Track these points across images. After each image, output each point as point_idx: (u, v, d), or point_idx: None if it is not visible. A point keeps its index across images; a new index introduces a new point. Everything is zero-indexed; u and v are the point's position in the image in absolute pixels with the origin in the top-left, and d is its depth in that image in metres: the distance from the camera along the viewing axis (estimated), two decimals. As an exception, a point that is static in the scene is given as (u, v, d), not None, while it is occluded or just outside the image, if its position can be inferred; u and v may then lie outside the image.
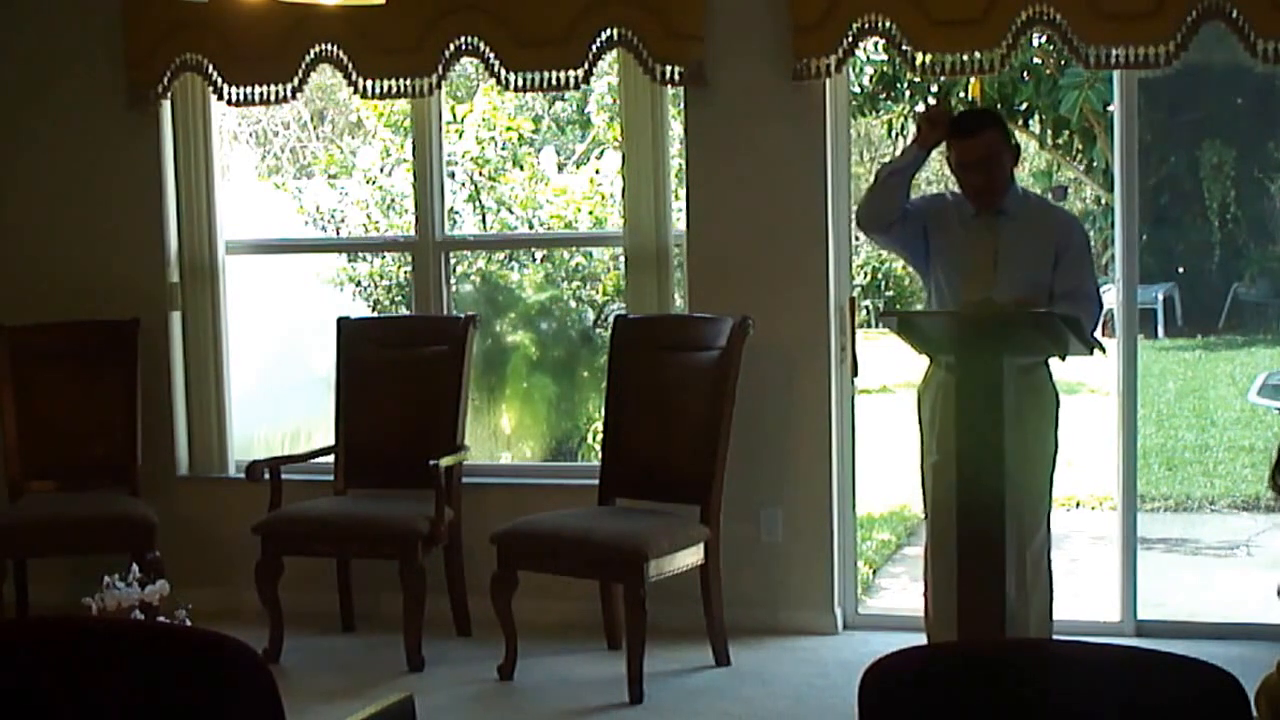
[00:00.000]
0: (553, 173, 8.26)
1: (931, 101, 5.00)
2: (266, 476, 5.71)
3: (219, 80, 6.01)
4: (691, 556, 5.22)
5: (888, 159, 5.06)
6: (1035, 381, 4.76)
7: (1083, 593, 6.34)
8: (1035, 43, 8.65)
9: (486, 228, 8.02)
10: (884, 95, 9.98)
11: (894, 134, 11.60)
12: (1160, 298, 12.75)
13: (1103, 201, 12.10)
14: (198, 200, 6.18)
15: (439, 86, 5.89)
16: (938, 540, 4.83)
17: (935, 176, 14.79)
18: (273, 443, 7.32)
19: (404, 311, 7.78)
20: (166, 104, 6.14)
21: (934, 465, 4.82)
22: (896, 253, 5.65)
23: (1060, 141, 11.46)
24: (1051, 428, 4.80)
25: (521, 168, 8.18)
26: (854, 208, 5.71)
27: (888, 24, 5.36)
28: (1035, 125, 10.75)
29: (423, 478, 5.46)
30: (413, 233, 6.35)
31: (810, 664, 5.39)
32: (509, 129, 8.14)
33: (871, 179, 5.11)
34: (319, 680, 5.33)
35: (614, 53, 5.71)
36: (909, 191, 4.97)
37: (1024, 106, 10.26)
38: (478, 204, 8.06)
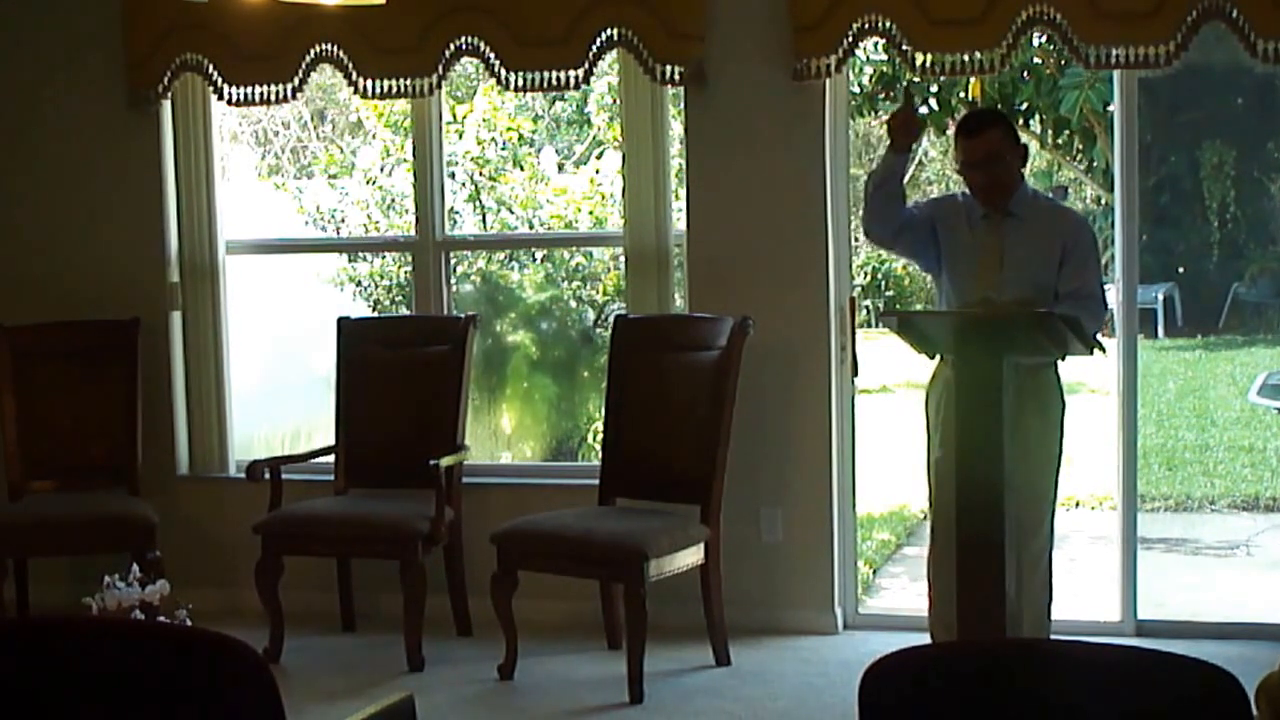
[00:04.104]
0: (553, 173, 8.27)
1: (895, 105, 4.98)
2: (267, 476, 5.71)
3: (219, 80, 6.01)
4: (691, 556, 5.22)
5: (871, 169, 5.07)
6: (1042, 383, 4.76)
7: (1083, 593, 6.34)
8: (1035, 43, 8.64)
9: (487, 228, 8.03)
10: (884, 95, 9.96)
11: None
12: (1160, 298, 12.76)
13: (1103, 201, 12.10)
14: (198, 200, 6.18)
15: (439, 86, 5.89)
16: (940, 538, 4.83)
17: (936, 176, 14.82)
18: (273, 443, 7.32)
19: (404, 311, 7.79)
20: (166, 104, 6.14)
21: (937, 462, 4.82)
22: (908, 259, 5.66)
23: (1060, 141, 11.46)
24: (1056, 430, 4.80)
25: (521, 168, 8.18)
26: (854, 210, 5.71)
27: (888, 24, 5.36)
28: (1035, 125, 10.73)
29: (423, 478, 5.46)
30: (413, 233, 6.35)
31: (810, 664, 5.39)
32: (509, 129, 8.14)
33: (862, 192, 5.14)
34: (319, 680, 5.33)
35: (614, 53, 5.71)
36: (904, 197, 4.97)
37: (1024, 106, 10.24)
38: (478, 204, 8.06)
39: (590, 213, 7.96)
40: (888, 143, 4.97)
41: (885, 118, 4.84)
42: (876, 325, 12.46)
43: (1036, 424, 4.72)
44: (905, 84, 5.30)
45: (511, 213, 8.07)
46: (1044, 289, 4.72)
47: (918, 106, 4.89)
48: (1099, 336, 4.62)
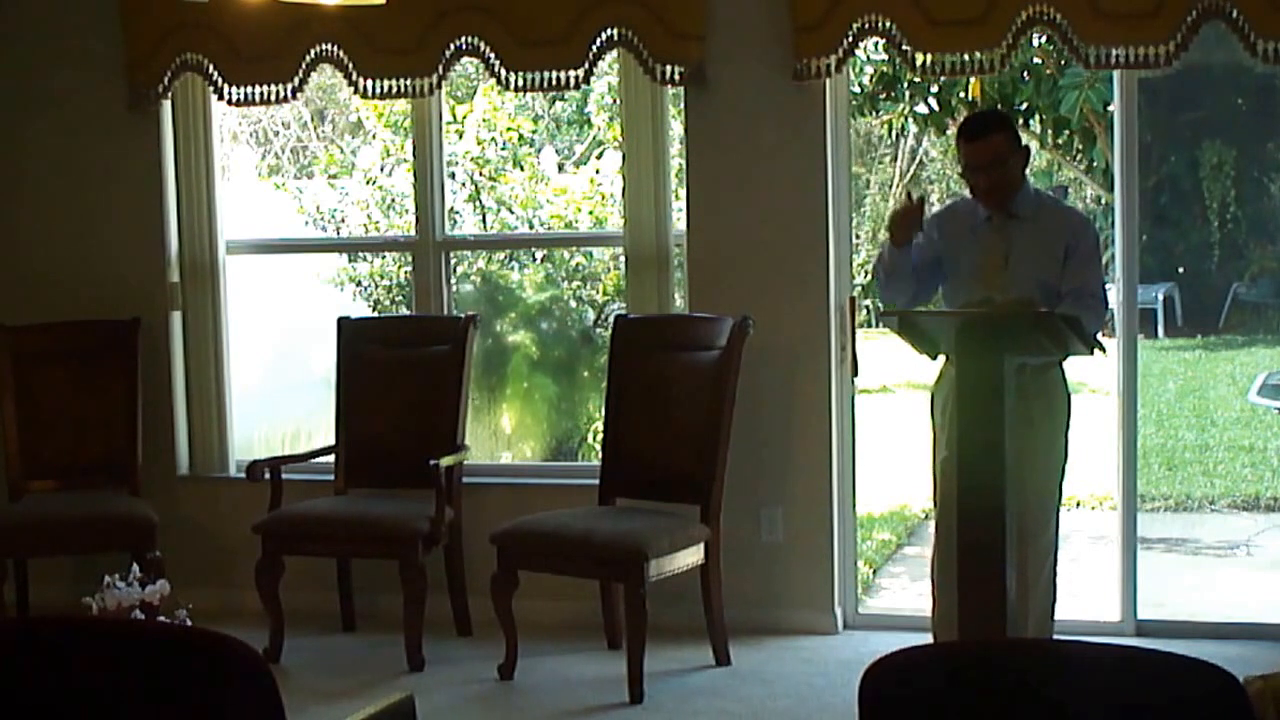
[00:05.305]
0: (553, 173, 8.27)
1: (901, 199, 4.94)
2: (267, 476, 5.71)
3: (219, 80, 6.01)
4: (691, 556, 5.22)
5: (879, 253, 5.06)
6: (1048, 383, 4.76)
7: (1083, 593, 6.34)
8: (1035, 43, 8.63)
9: (487, 228, 8.03)
10: (884, 95, 9.95)
11: (894, 134, 11.59)
12: (1160, 298, 12.75)
13: (1103, 201, 12.09)
14: (198, 200, 6.18)
15: (439, 86, 5.89)
16: (944, 538, 4.83)
17: (937, 176, 14.81)
18: (273, 443, 7.32)
19: (404, 311, 7.79)
20: (167, 104, 6.14)
21: (943, 461, 4.82)
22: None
23: (1060, 141, 11.44)
24: (1062, 430, 4.80)
25: (521, 168, 8.18)
26: (855, 210, 5.70)
27: (888, 24, 5.36)
28: (1035, 125, 10.72)
29: (423, 478, 5.46)
30: (413, 233, 6.35)
31: (810, 664, 5.39)
32: (509, 129, 8.14)
33: (873, 272, 5.12)
34: (319, 680, 5.33)
35: (614, 53, 5.71)
36: (911, 270, 4.93)
37: (1024, 106, 10.23)
38: (478, 204, 8.06)
39: (590, 213, 7.96)
40: (888, 235, 4.94)
41: (889, 211, 4.82)
42: (876, 325, 12.45)
43: (1044, 424, 4.73)
44: (906, 183, 5.28)
45: (511, 213, 8.07)
46: (1048, 289, 4.72)
47: (921, 199, 4.89)
48: (1099, 336, 4.62)
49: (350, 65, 5.86)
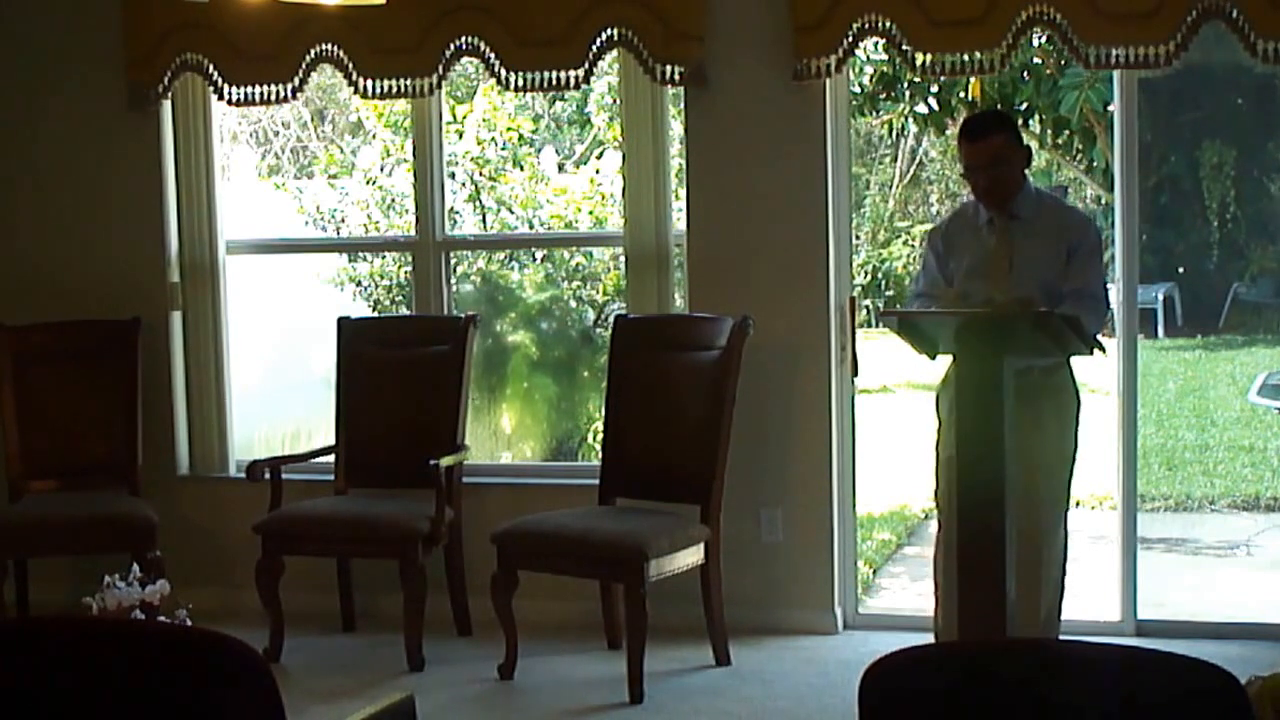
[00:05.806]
0: (553, 173, 8.27)
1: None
2: (267, 476, 5.71)
3: (219, 80, 6.01)
4: (691, 556, 5.22)
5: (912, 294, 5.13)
6: (1057, 382, 4.76)
7: (1083, 593, 6.33)
8: (1035, 43, 8.63)
9: (487, 228, 8.03)
10: (884, 95, 9.96)
11: (894, 134, 11.59)
12: (1160, 298, 12.76)
13: (1103, 201, 12.09)
14: (198, 200, 6.18)
15: (439, 86, 5.89)
16: (947, 537, 4.82)
17: (937, 176, 14.81)
18: (273, 442, 7.32)
19: (404, 311, 7.79)
20: (167, 104, 6.14)
21: (947, 461, 4.81)
22: None
23: (1060, 141, 11.45)
24: (1071, 429, 4.81)
25: (521, 168, 8.18)
26: (855, 210, 5.70)
27: (888, 24, 5.36)
28: (1035, 125, 10.72)
29: (423, 478, 5.46)
30: (413, 233, 6.35)
31: (810, 664, 5.39)
32: (509, 129, 8.14)
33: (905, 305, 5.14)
34: (319, 680, 5.33)
35: (614, 53, 5.71)
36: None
37: (1024, 106, 10.23)
38: (478, 204, 8.06)
39: (590, 213, 7.96)
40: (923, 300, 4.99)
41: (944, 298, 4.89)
42: (876, 325, 12.46)
43: (1053, 423, 4.73)
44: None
45: (511, 213, 8.07)
46: (1051, 289, 4.72)
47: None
48: (1100, 336, 4.62)
49: (350, 65, 5.86)
